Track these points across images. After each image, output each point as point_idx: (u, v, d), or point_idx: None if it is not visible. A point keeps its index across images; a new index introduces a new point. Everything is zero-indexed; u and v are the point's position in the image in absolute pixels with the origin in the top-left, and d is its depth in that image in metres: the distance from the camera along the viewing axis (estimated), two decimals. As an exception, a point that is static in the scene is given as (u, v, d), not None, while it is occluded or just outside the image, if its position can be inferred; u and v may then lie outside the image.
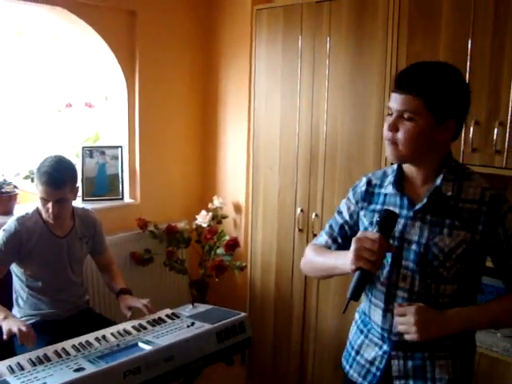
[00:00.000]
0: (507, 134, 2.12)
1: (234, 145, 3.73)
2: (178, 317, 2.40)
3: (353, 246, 1.46)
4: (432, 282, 1.51)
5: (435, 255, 1.49)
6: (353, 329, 1.77)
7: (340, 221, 1.75)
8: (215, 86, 3.79)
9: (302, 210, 2.84)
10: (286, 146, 2.90)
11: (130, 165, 3.53)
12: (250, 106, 3.26)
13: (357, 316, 1.77)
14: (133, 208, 3.54)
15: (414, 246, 1.52)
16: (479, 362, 2.13)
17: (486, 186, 1.50)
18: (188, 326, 2.24)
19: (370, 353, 1.65)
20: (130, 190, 3.57)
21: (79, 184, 2.65)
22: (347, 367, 1.74)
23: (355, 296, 1.47)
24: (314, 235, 2.79)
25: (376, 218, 1.56)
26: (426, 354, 1.55)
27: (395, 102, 1.46)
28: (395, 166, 1.62)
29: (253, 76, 3.06)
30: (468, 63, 2.18)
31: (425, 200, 1.51)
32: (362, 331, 1.71)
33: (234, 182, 3.76)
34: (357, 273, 1.46)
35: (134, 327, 2.30)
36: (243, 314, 2.34)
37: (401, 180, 1.58)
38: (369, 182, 1.68)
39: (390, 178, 1.61)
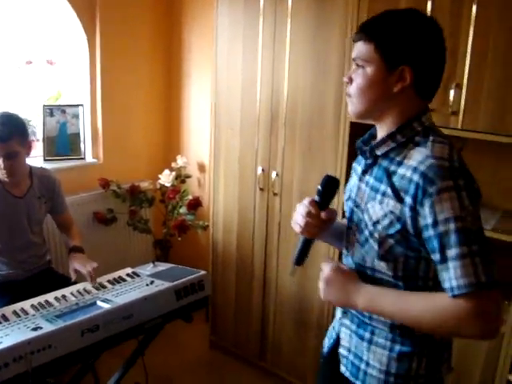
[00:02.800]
0: (463, 96, 2.14)
1: (198, 104, 3.70)
2: (138, 275, 2.42)
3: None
4: (365, 254, 1.38)
5: (366, 223, 1.36)
6: None
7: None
8: (179, 45, 3.74)
9: (262, 170, 2.85)
10: (248, 105, 2.88)
11: (92, 124, 3.49)
12: (214, 66, 3.22)
13: None
14: (95, 168, 3.51)
15: (358, 210, 1.41)
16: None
17: (434, 155, 1.22)
18: (147, 285, 2.26)
19: (336, 318, 1.60)
20: (92, 150, 3.53)
21: (35, 140, 2.61)
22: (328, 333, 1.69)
23: (297, 260, 1.48)
24: (275, 194, 2.82)
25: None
26: (367, 335, 1.42)
27: (352, 52, 1.36)
28: None
29: (215, 35, 3.01)
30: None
31: (368, 161, 1.40)
32: None
33: (198, 142, 3.75)
34: (300, 238, 1.47)
35: (93, 286, 2.32)
36: (202, 273, 2.37)
37: (369, 139, 1.45)
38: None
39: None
